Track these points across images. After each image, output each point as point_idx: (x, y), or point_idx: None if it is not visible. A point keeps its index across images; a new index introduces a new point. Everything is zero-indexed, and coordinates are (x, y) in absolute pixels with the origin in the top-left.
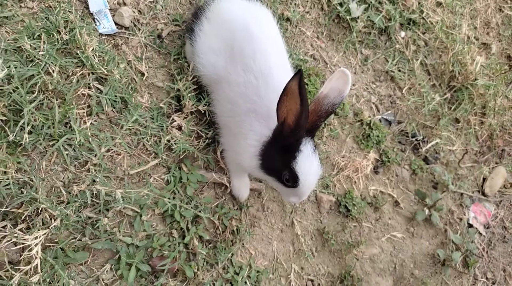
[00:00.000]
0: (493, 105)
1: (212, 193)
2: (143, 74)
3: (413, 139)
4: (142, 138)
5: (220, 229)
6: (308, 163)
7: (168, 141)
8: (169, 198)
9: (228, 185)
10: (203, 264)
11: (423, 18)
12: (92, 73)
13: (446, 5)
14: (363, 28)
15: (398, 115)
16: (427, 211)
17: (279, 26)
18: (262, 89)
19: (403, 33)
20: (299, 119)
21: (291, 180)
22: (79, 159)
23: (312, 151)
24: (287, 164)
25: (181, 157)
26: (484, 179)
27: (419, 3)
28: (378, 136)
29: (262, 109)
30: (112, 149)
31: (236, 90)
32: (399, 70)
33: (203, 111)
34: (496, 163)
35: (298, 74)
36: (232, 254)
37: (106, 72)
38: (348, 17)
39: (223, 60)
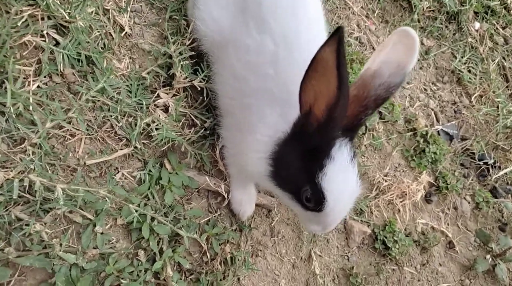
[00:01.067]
0: None
1: (203, 204)
2: (123, 29)
3: (480, 163)
4: (110, 116)
5: (208, 256)
6: (342, 178)
7: (148, 125)
8: (138, 205)
9: (226, 196)
10: None
11: (505, 7)
12: (49, 18)
13: None
14: (427, 10)
15: (463, 129)
16: (490, 260)
17: None
18: (283, 60)
19: (477, 25)
20: (334, 109)
21: (314, 201)
22: (13, 135)
23: (349, 160)
24: (310, 177)
25: (164, 149)
26: None
27: None
28: (435, 153)
29: (279, 90)
30: (64, 127)
31: (245, 60)
32: (469, 71)
33: (199, 89)
34: None
35: (336, 36)
36: None
37: (67, 18)
38: None
39: (230, 14)
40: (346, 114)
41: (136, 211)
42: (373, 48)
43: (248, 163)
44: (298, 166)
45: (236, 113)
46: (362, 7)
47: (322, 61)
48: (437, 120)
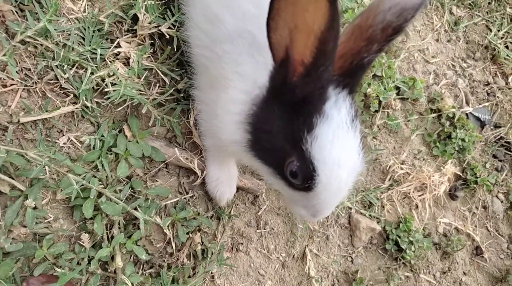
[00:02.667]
0: None
1: (172, 182)
2: None
3: None
4: (55, 65)
5: (173, 246)
6: (338, 143)
7: (102, 79)
8: (82, 176)
9: (200, 174)
10: None
11: None
12: None
13: None
14: None
15: (497, 114)
16: None
17: None
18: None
19: None
20: (323, 42)
21: (302, 176)
22: None
23: (348, 120)
24: (296, 143)
25: (125, 112)
26: None
27: None
28: (463, 140)
29: (260, 33)
30: None
31: None
32: (507, 47)
33: (168, 37)
34: None
35: None
36: None
37: None
38: None
39: None
40: (340, 50)
41: (77, 182)
42: None
43: (222, 130)
44: (281, 130)
45: (210, 66)
46: None
47: None
48: (467, 103)
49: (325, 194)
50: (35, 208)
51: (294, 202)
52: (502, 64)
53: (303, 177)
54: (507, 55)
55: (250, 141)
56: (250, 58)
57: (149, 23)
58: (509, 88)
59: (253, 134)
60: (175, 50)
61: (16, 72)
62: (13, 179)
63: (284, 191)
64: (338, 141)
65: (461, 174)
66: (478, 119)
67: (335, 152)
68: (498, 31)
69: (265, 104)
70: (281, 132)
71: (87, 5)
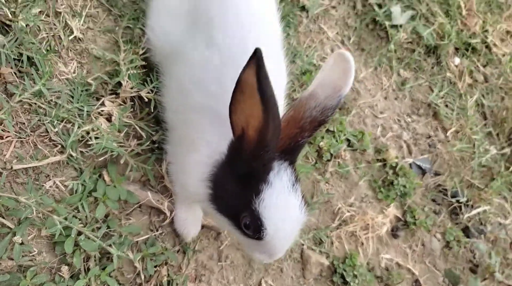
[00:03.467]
0: None
1: (144, 221)
2: (72, 32)
3: (453, 200)
4: (46, 120)
5: (142, 278)
6: (282, 203)
7: (87, 133)
8: (65, 217)
9: (169, 214)
10: None
11: (486, 46)
12: None
13: None
14: (405, 41)
15: (437, 164)
16: None
17: (291, 15)
18: (228, 79)
19: (457, 60)
20: (264, 132)
21: (253, 229)
22: None
23: (289, 185)
24: (248, 203)
25: (105, 159)
26: None
27: (483, 27)
28: (404, 186)
29: (223, 109)
30: None
31: (191, 73)
32: (446, 105)
33: (147, 100)
34: None
35: (254, 58)
36: None
37: (10, 16)
38: (387, 23)
39: (181, 27)
40: (281, 135)
41: (60, 223)
42: None
43: (188, 183)
44: (235, 190)
45: (180, 128)
46: (337, 33)
47: (246, 84)
48: (410, 153)
49: (274, 242)
50: (22, 243)
51: (250, 247)
52: (442, 120)
53: (254, 230)
54: (446, 113)
55: (211, 196)
56: (213, 128)
57: (131, 88)
58: (448, 141)
59: (213, 191)
60: (152, 110)
61: (12, 125)
62: (3, 218)
63: (241, 239)
64: (281, 202)
65: (401, 217)
66: (420, 167)
67: (278, 212)
68: (439, 91)
69: (223, 168)
70: (236, 193)
71: (77, 66)
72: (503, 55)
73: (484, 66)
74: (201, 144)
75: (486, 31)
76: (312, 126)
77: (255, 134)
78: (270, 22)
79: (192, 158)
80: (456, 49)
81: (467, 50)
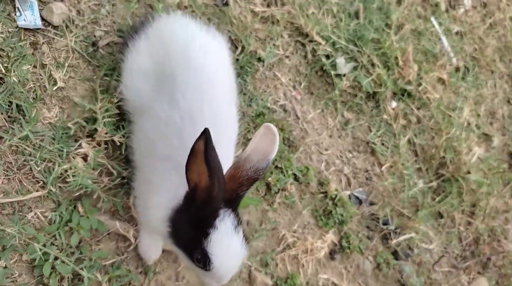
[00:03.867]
0: (484, 205)
1: (112, 246)
2: (56, 83)
3: (384, 227)
4: (31, 160)
5: None
6: (226, 244)
7: (65, 171)
8: (44, 244)
9: (134, 241)
10: None
11: (419, 91)
12: None
13: (449, 84)
14: (348, 88)
15: (372, 195)
16: None
17: (249, 65)
18: (187, 134)
19: (394, 103)
20: (210, 191)
21: (203, 263)
22: None
23: (232, 228)
24: (198, 242)
25: (80, 193)
26: None
27: (418, 74)
28: (342, 215)
29: (183, 160)
30: None
31: (156, 128)
32: (382, 144)
33: (118, 143)
34: (479, 272)
35: (204, 134)
36: None
37: (3, 71)
38: (332, 72)
39: (149, 86)
40: (225, 189)
41: (40, 250)
42: (297, 116)
43: (151, 220)
44: (188, 232)
45: (146, 171)
46: (290, 79)
47: (197, 152)
48: (349, 185)
49: (220, 272)
50: (5, 267)
51: (201, 274)
52: (378, 157)
53: (204, 264)
54: (382, 150)
55: (169, 233)
56: (174, 176)
57: (105, 134)
58: (383, 175)
59: (172, 229)
60: (124, 152)
61: (1, 165)
62: None
63: (193, 268)
64: (225, 243)
65: (337, 242)
66: (357, 198)
67: (223, 249)
68: (377, 131)
69: (180, 211)
70: (189, 234)
71: (59, 111)
72: (434, 100)
73: (418, 109)
74: (164, 190)
75: (421, 77)
76: (249, 182)
77: (203, 191)
78: (225, 80)
79: (155, 200)
80: (394, 94)
81: (403, 95)
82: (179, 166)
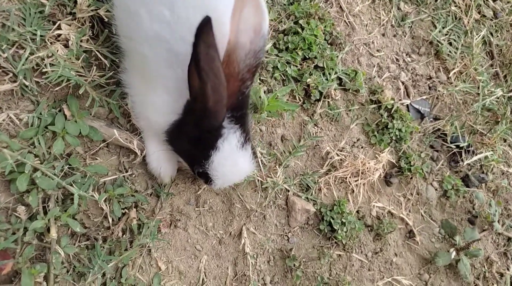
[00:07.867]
0: None
1: (113, 161)
2: None
3: (453, 146)
4: None
5: (110, 221)
6: (229, 163)
7: (42, 59)
8: (19, 152)
9: (140, 153)
10: (60, 272)
11: None
12: None
13: None
14: None
15: (437, 107)
16: (454, 254)
17: None
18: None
19: None
20: (204, 101)
21: (204, 179)
22: None
23: (238, 147)
24: (199, 161)
25: (66, 92)
26: None
27: None
28: (400, 131)
29: (175, 42)
30: None
31: None
32: (450, 44)
33: (107, 19)
34: None
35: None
36: (124, 265)
37: None
38: None
39: None
40: (226, 95)
41: (12, 157)
42: (341, 8)
43: (153, 120)
44: (189, 149)
45: (135, 59)
46: None
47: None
48: (408, 95)
49: (222, 186)
50: None
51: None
52: (445, 60)
53: (205, 179)
54: (450, 52)
55: (168, 142)
56: (170, 70)
57: (88, 7)
58: (450, 83)
59: (169, 141)
60: (114, 31)
61: None
62: None
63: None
64: (228, 164)
65: (396, 163)
66: (418, 111)
67: (226, 169)
68: (443, 27)
69: (179, 125)
70: (189, 151)
71: None
72: None
73: (494, 0)
74: (160, 88)
75: None
76: (251, 72)
77: (199, 102)
78: None
79: (154, 103)
80: None
81: None
82: (173, 51)
